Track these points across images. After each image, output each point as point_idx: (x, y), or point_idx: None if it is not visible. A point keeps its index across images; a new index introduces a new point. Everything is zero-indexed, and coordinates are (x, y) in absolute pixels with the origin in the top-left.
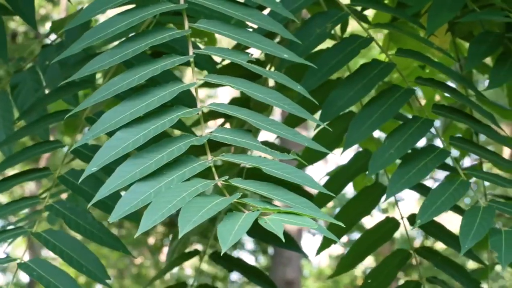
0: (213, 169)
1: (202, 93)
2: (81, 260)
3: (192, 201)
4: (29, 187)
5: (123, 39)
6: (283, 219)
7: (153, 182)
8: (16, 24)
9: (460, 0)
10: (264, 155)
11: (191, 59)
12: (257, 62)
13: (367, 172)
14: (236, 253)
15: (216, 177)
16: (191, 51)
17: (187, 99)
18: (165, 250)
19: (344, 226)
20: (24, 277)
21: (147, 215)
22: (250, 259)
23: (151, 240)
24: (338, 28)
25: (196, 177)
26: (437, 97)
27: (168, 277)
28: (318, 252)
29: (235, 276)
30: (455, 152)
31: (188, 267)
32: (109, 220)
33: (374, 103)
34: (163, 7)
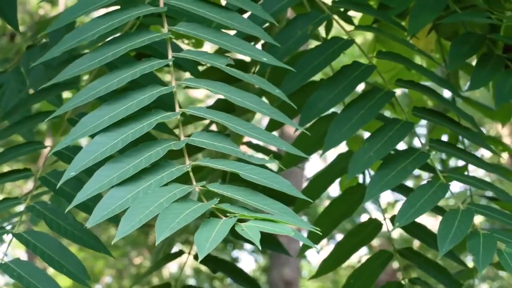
0: (191, 174)
1: (201, 93)
2: (62, 261)
3: (170, 207)
4: (28, 187)
5: (103, 42)
6: (259, 226)
7: (131, 187)
8: None
9: (442, 1)
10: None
11: (170, 63)
12: (243, 64)
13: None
14: (236, 253)
15: (194, 182)
16: (170, 54)
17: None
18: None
19: (321, 233)
20: None
21: (124, 221)
22: (249, 259)
23: (151, 240)
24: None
25: (174, 182)
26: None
27: (168, 276)
28: (301, 253)
29: None
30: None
31: (188, 267)
32: (87, 225)
33: (354, 105)
34: (143, 10)
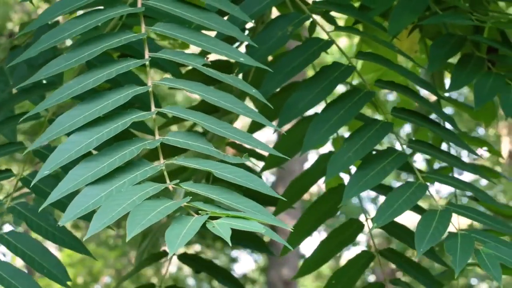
0: (165, 172)
1: None
2: (42, 262)
3: (142, 204)
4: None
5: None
6: (231, 223)
7: (105, 186)
8: (13, 24)
9: (422, 2)
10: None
11: (147, 62)
12: (227, 64)
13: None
14: (235, 253)
15: (168, 181)
16: (146, 54)
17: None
18: (162, 248)
19: (292, 230)
20: None
21: (96, 219)
22: (248, 259)
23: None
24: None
25: (148, 181)
26: None
27: (168, 276)
28: (283, 253)
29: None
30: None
31: (186, 267)
32: (60, 224)
33: (334, 106)
34: (120, 10)
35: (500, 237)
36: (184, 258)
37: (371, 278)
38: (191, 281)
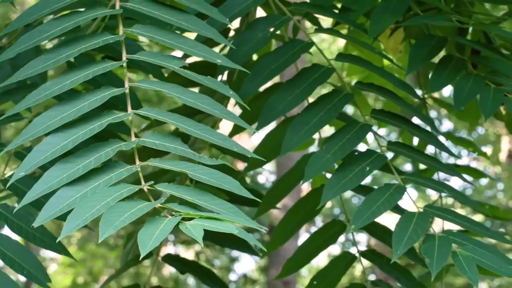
0: (140, 174)
1: None
2: (23, 263)
3: (115, 205)
4: None
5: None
6: (203, 224)
7: (80, 187)
8: None
9: (403, 4)
10: None
11: (124, 64)
12: (213, 65)
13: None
14: (235, 253)
15: (143, 182)
16: (124, 56)
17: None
18: (163, 249)
19: (266, 231)
20: (21, 277)
21: (70, 220)
22: (248, 259)
23: None
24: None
25: (123, 182)
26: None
27: (168, 275)
28: (265, 253)
29: (234, 276)
30: None
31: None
32: (34, 225)
33: (313, 108)
34: (99, 12)
35: (478, 239)
36: (168, 259)
37: (372, 277)
38: (191, 281)
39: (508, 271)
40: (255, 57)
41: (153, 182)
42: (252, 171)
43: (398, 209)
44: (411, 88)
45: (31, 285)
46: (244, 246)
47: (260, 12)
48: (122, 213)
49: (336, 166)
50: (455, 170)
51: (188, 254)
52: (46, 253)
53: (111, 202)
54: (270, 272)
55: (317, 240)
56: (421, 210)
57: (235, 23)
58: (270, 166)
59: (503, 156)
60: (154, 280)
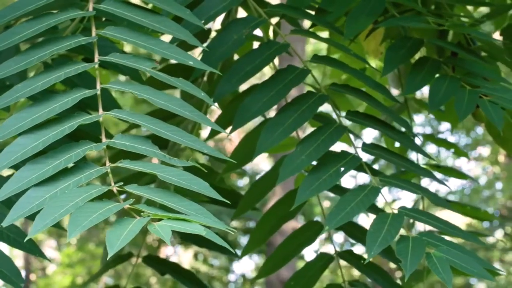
0: (110, 175)
1: None
2: None
3: (84, 206)
4: None
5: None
6: (172, 225)
7: (49, 187)
8: None
9: (379, 6)
10: None
11: (96, 65)
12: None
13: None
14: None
15: (112, 183)
16: (96, 57)
17: (111, 103)
18: (163, 249)
19: (234, 232)
20: None
21: (38, 219)
22: (247, 260)
23: (149, 239)
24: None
25: (92, 183)
26: None
27: (168, 276)
28: (243, 254)
29: (233, 276)
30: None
31: (186, 266)
32: (3, 224)
33: (288, 109)
34: (71, 14)
35: (452, 241)
36: (148, 260)
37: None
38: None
39: (481, 272)
40: (236, 57)
41: (122, 183)
42: (251, 171)
43: (374, 210)
44: (387, 90)
45: (29, 286)
46: (222, 247)
47: (242, 13)
48: (90, 214)
49: None
50: (428, 171)
51: (187, 254)
52: (45, 254)
53: (80, 202)
54: None
55: (296, 240)
56: (396, 211)
57: (217, 24)
58: (268, 166)
59: (501, 156)
60: (153, 280)
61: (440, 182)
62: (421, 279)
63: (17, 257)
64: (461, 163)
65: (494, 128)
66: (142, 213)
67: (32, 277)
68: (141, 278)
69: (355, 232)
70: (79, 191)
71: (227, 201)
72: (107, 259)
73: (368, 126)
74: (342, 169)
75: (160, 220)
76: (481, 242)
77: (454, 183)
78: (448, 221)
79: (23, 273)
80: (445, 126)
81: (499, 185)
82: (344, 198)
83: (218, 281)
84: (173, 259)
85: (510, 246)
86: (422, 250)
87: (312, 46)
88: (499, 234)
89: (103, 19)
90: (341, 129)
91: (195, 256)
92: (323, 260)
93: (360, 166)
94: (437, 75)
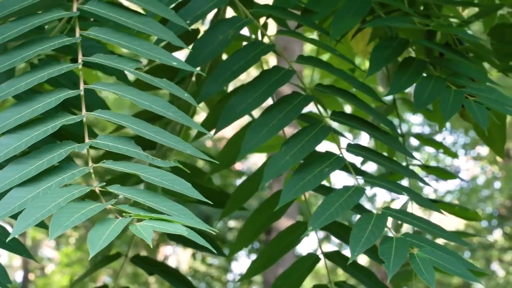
0: (93, 175)
1: None
2: None
3: (66, 206)
4: None
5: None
6: (153, 226)
7: (32, 188)
8: None
9: (365, 6)
10: None
11: (80, 66)
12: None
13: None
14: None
15: (95, 183)
16: (80, 58)
17: (97, 104)
18: (162, 249)
19: (216, 233)
20: (17, 277)
21: (20, 220)
22: (244, 258)
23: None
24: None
25: (75, 183)
26: None
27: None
28: (230, 255)
29: (231, 276)
30: None
31: (186, 265)
32: None
33: (273, 110)
34: (55, 14)
35: (436, 241)
36: (136, 260)
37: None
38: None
39: (464, 272)
40: (225, 57)
41: (104, 183)
42: (249, 171)
43: (360, 210)
44: (373, 91)
45: (28, 285)
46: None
47: (232, 14)
48: (72, 214)
49: None
50: (413, 172)
51: (186, 253)
52: (44, 253)
53: (62, 202)
54: (267, 272)
55: (282, 241)
56: (379, 212)
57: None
58: None
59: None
60: (152, 280)
61: (425, 183)
62: (410, 279)
63: (16, 256)
64: (460, 163)
65: (481, 128)
66: (124, 214)
67: (31, 276)
68: (140, 277)
69: (341, 232)
70: (62, 191)
71: (210, 202)
72: (89, 259)
73: (353, 127)
74: (327, 169)
75: (142, 220)
76: (465, 243)
77: (454, 183)
78: (431, 221)
79: (21, 273)
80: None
81: (497, 185)
82: (328, 198)
83: (217, 281)
84: (172, 258)
85: (508, 245)
86: (405, 251)
87: (311, 46)
88: (498, 233)
89: (92, 19)
90: (326, 130)
91: (193, 255)
92: (310, 260)
93: (345, 167)
94: (422, 75)
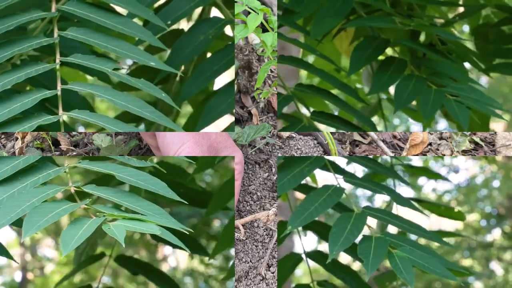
0: (68, 175)
1: None
2: None
3: (40, 206)
4: None
5: None
6: (126, 225)
7: (7, 187)
8: None
9: (346, 6)
10: None
11: (57, 66)
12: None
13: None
14: (232, 252)
15: (70, 183)
16: (57, 58)
17: (82, 104)
18: (161, 248)
19: (189, 231)
20: (17, 277)
21: None
22: None
23: (147, 238)
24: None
25: (50, 183)
26: None
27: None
28: (213, 255)
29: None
30: None
31: (185, 265)
32: None
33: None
34: (33, 15)
35: (415, 241)
36: (120, 260)
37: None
38: (187, 279)
39: (443, 272)
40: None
41: (80, 183)
42: None
43: (341, 209)
44: (354, 91)
45: (27, 285)
46: (194, 247)
47: (216, 13)
48: (46, 213)
49: None
50: (394, 172)
51: (185, 253)
52: (43, 253)
53: (36, 202)
54: None
55: None
56: (359, 211)
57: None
58: None
59: (498, 159)
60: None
61: (406, 182)
62: (394, 279)
63: (14, 256)
64: (459, 162)
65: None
66: (97, 213)
67: (30, 276)
68: (139, 277)
69: (324, 231)
70: (36, 191)
71: (185, 202)
72: (61, 258)
73: (333, 127)
74: (307, 169)
75: (116, 220)
76: (446, 243)
77: (453, 182)
78: (411, 221)
79: (19, 273)
80: (442, 125)
81: (496, 184)
82: (308, 198)
83: (216, 280)
84: (171, 258)
85: (507, 244)
86: (384, 250)
87: None
88: (497, 232)
89: (76, 20)
90: (307, 128)
91: (191, 255)
92: (292, 260)
93: (325, 166)
94: (403, 75)
